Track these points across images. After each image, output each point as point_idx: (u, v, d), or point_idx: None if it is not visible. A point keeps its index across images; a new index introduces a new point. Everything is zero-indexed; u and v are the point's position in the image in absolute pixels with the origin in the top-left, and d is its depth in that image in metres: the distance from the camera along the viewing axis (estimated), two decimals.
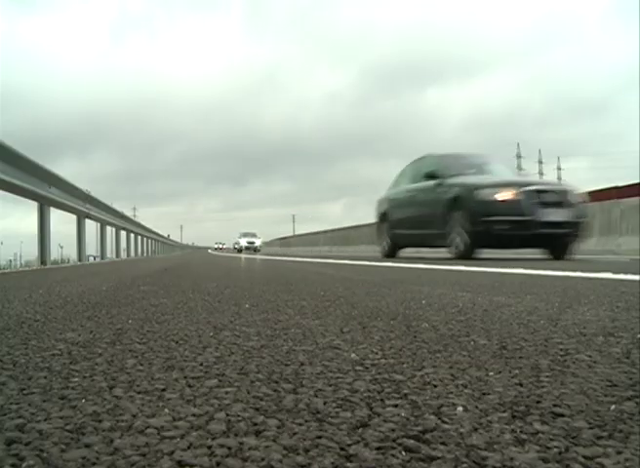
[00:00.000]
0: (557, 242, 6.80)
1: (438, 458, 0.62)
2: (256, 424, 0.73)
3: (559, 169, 69.06)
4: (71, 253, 12.74)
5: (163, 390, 0.90)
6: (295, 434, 0.70)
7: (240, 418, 0.75)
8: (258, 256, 14.74)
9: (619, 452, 0.63)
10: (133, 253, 17.79)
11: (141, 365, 1.10)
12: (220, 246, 74.01)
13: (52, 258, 8.55)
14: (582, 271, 4.02)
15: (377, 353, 1.20)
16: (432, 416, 0.76)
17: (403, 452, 0.64)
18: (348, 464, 0.61)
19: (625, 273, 3.61)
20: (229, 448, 0.65)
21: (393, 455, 0.63)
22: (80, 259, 10.41)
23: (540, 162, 70.16)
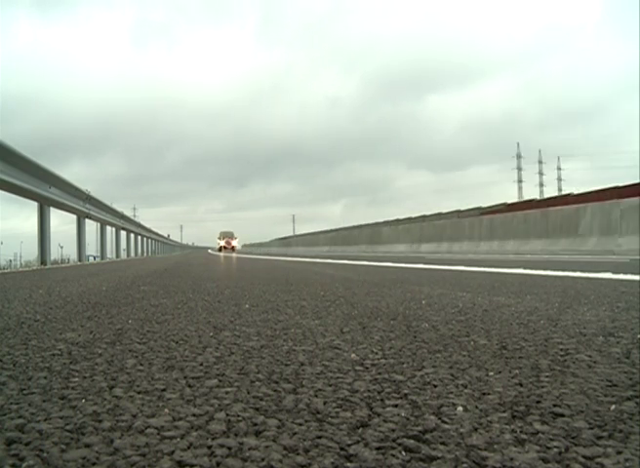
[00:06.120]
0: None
1: (438, 458, 0.62)
2: (256, 424, 0.73)
3: (559, 169, 69.57)
4: (71, 253, 12.74)
5: (163, 390, 0.90)
6: (295, 434, 0.70)
7: (240, 418, 0.76)
8: (258, 257, 14.73)
9: (619, 452, 0.63)
10: (133, 254, 17.79)
11: (141, 365, 1.10)
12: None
13: (52, 258, 8.55)
14: (582, 271, 4.02)
15: (377, 353, 1.20)
16: (432, 416, 0.76)
17: (403, 452, 0.64)
18: (348, 464, 0.61)
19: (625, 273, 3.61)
20: (229, 448, 0.65)
21: (393, 455, 0.63)
22: (80, 259, 10.41)
23: (540, 162, 70.64)
